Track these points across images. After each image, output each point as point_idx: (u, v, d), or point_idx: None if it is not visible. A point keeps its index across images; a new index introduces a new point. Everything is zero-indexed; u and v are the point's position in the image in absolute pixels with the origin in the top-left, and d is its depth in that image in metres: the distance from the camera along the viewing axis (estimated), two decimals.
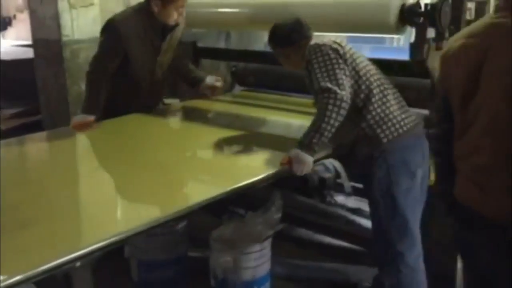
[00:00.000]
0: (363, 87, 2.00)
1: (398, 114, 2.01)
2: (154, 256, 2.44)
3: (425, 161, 2.03)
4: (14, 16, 8.85)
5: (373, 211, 2.08)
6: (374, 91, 2.01)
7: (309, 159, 1.92)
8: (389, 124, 1.98)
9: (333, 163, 3.00)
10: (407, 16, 2.25)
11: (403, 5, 2.26)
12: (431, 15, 2.18)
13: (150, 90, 2.85)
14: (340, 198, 3.04)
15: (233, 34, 3.50)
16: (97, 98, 2.70)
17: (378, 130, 1.98)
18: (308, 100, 3.02)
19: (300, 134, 1.97)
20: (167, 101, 4.89)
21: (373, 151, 2.00)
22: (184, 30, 3.00)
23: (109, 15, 4.33)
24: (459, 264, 2.44)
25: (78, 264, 1.36)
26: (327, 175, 3.01)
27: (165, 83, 3.01)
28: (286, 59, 2.20)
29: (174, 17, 2.66)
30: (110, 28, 2.74)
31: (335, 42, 2.03)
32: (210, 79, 3.02)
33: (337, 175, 2.89)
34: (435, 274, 2.46)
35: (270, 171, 1.95)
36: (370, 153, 2.00)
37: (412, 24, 2.26)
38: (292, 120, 2.85)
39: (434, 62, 2.25)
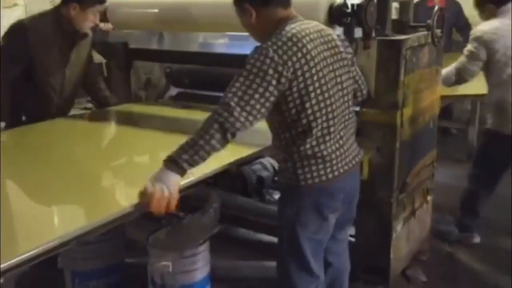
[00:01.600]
0: (303, 121, 1.73)
1: (331, 159, 1.78)
2: (88, 265, 2.36)
3: (346, 205, 1.92)
4: None
5: (278, 236, 1.95)
6: (314, 130, 1.74)
7: (172, 179, 1.60)
8: (314, 168, 1.77)
9: (271, 161, 3.03)
10: (335, 16, 2.30)
11: (331, 5, 2.31)
12: (358, 15, 2.24)
13: (58, 104, 2.78)
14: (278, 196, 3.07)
15: (166, 35, 3.44)
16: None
17: (299, 171, 1.78)
18: None
19: None
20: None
21: (289, 187, 1.84)
22: (89, 46, 2.94)
23: None
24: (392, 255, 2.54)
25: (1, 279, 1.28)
26: (265, 173, 3.04)
27: (74, 97, 2.98)
28: (250, 24, 1.81)
29: (89, 23, 2.60)
30: (14, 32, 2.60)
31: (288, 51, 1.65)
32: None
33: (275, 173, 2.92)
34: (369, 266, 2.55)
35: (206, 171, 1.90)
36: (286, 187, 1.86)
37: (340, 24, 2.31)
38: None
39: (362, 60, 2.32)
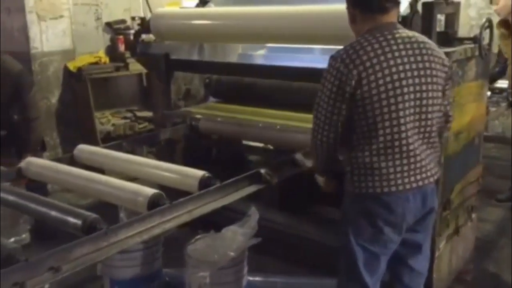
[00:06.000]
0: (364, 129, 1.75)
1: (388, 173, 1.74)
2: (127, 274, 2.37)
3: (415, 226, 1.84)
4: None
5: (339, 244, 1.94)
6: (372, 141, 1.73)
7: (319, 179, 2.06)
8: (369, 178, 1.76)
9: None
10: None
11: None
12: (403, 26, 2.19)
13: None
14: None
15: (206, 46, 3.47)
16: None
17: (355, 178, 1.79)
18: (279, 112, 3.03)
19: None
20: (139, 114, 4.82)
21: (348, 194, 1.86)
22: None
23: (79, 28, 4.28)
24: None
25: (47, 286, 1.30)
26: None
27: None
28: (352, 28, 1.86)
29: None
30: None
31: (349, 64, 1.69)
32: None
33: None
34: None
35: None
36: (346, 193, 1.87)
37: None
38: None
39: None
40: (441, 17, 2.72)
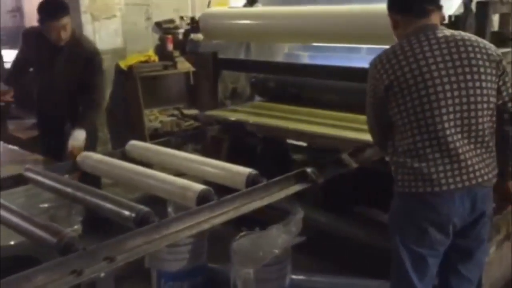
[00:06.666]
0: (400, 128, 1.79)
1: (429, 172, 1.72)
2: (174, 266, 2.44)
3: (448, 222, 1.77)
4: None
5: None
6: (406, 141, 1.76)
7: None
8: (412, 177, 1.76)
9: None
10: None
11: None
12: (457, 26, 2.15)
13: (54, 103, 3.10)
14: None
15: (253, 46, 3.51)
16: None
17: (399, 177, 1.80)
18: (324, 111, 3.03)
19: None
20: (186, 112, 4.93)
21: (394, 193, 1.87)
22: (79, 62, 3.05)
23: (130, 27, 4.41)
24: None
25: (102, 274, 1.36)
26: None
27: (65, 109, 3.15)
28: (393, 29, 1.90)
29: (53, 36, 2.88)
30: (22, 36, 3.12)
31: (380, 69, 1.78)
32: (77, 134, 2.87)
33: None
34: None
35: None
36: (393, 192, 1.87)
37: None
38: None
39: None
40: (495, 17, 2.65)
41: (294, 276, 2.45)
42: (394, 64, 1.75)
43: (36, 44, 2.99)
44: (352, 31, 2.67)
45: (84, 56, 3.01)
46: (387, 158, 1.96)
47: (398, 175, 1.81)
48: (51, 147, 3.13)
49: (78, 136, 2.85)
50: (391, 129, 1.84)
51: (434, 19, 1.80)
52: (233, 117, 3.16)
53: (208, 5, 3.45)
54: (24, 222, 1.64)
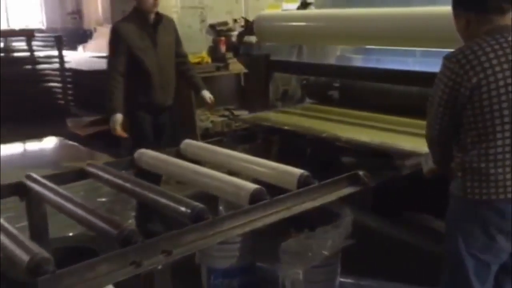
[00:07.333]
0: (473, 132, 1.71)
1: (498, 179, 1.68)
2: (224, 264, 2.49)
3: None
4: (95, 29, 9.38)
5: (444, 251, 1.90)
6: (476, 146, 1.70)
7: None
8: (484, 184, 1.70)
9: None
10: None
11: None
12: None
13: (161, 85, 3.14)
14: None
15: (305, 48, 3.53)
16: (117, 97, 3.04)
17: (468, 184, 1.73)
18: (376, 115, 3.00)
19: None
20: (236, 112, 5.01)
21: (458, 198, 1.79)
22: (173, 31, 3.22)
23: (185, 29, 4.52)
24: None
25: (160, 266, 1.43)
26: None
27: (174, 83, 3.26)
28: (461, 32, 1.79)
29: (149, 2, 3.01)
30: (112, 32, 3.14)
31: (465, 64, 1.66)
32: (206, 93, 3.30)
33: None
34: None
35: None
36: (455, 196, 1.80)
37: None
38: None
39: None
40: None
41: (342, 279, 2.45)
42: (484, 61, 1.64)
43: (132, 31, 3.09)
44: (406, 33, 2.64)
45: (172, 24, 3.24)
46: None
47: (467, 182, 1.73)
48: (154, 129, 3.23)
49: (208, 93, 3.29)
50: (452, 138, 1.79)
51: (509, 19, 1.72)
52: (283, 119, 3.19)
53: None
54: (87, 214, 1.74)
